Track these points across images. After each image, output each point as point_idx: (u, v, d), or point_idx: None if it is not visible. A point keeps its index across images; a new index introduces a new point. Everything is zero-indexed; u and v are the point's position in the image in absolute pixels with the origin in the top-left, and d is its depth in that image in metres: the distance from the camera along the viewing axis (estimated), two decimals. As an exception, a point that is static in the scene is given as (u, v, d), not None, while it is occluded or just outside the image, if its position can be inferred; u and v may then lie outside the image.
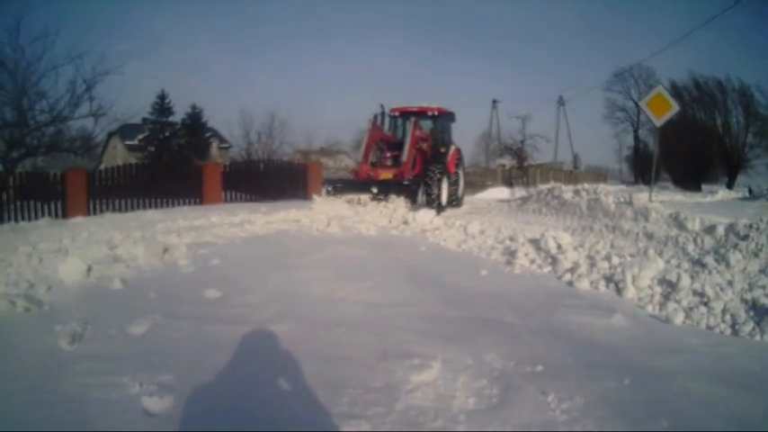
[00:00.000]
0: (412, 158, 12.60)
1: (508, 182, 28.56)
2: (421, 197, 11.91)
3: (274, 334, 3.54)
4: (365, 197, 11.04)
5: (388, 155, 13.17)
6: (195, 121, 40.69)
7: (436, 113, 14.36)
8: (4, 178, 14.05)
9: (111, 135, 38.25)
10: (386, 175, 11.99)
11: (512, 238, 6.94)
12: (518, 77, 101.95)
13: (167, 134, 38.94)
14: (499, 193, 23.97)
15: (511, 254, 6.25)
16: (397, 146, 13.24)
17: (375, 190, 11.11)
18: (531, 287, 5.02)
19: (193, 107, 42.43)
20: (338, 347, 3.34)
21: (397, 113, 14.69)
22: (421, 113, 14.34)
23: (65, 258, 5.53)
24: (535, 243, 6.39)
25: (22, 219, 13.41)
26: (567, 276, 5.27)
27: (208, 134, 42.38)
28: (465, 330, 3.69)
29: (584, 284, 4.98)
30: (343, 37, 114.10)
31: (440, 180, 12.30)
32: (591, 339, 3.60)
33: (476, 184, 29.14)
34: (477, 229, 7.89)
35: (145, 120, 38.97)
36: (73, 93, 17.72)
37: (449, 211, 12.30)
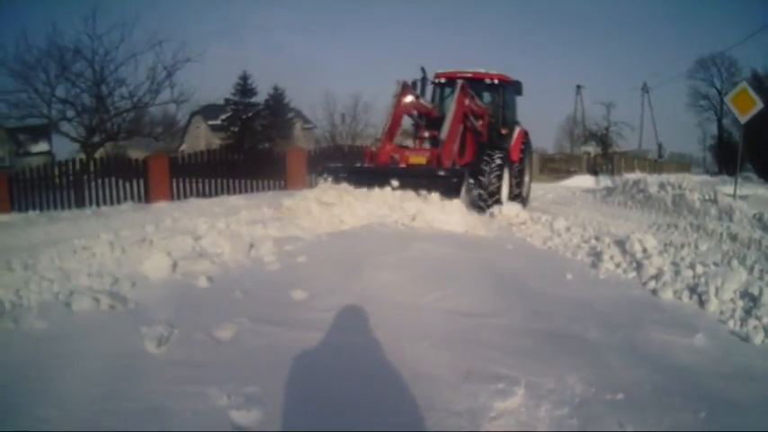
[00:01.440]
0: (458, 139, 10.52)
1: (593, 170, 30.15)
2: (466, 194, 9.18)
3: (361, 345, 3.68)
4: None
5: (426, 134, 11.41)
6: (278, 102, 43.55)
7: (496, 82, 12.35)
8: (85, 163, 15.42)
9: (193, 114, 41.09)
10: (416, 159, 10.03)
11: (597, 238, 7.28)
12: (601, 63, 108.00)
13: (250, 115, 41.77)
14: (584, 181, 25.87)
15: (596, 255, 6.52)
16: (441, 123, 10.75)
17: (396, 183, 8.65)
18: (616, 296, 5.15)
19: (276, 88, 45.63)
20: (424, 364, 3.42)
21: (443, 80, 12.50)
22: (476, 81, 12.10)
23: (149, 253, 6.02)
24: (621, 245, 6.58)
25: (104, 203, 14.67)
26: (652, 284, 5.41)
27: (291, 115, 44.86)
28: (549, 347, 3.74)
29: (667, 294, 5.11)
30: (429, 20, 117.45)
31: (499, 171, 10.57)
32: (671, 362, 3.62)
33: (560, 171, 30.54)
34: (564, 225, 8.47)
35: (227, 100, 42.09)
36: (153, 79, 19.16)
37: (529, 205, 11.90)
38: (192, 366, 3.39)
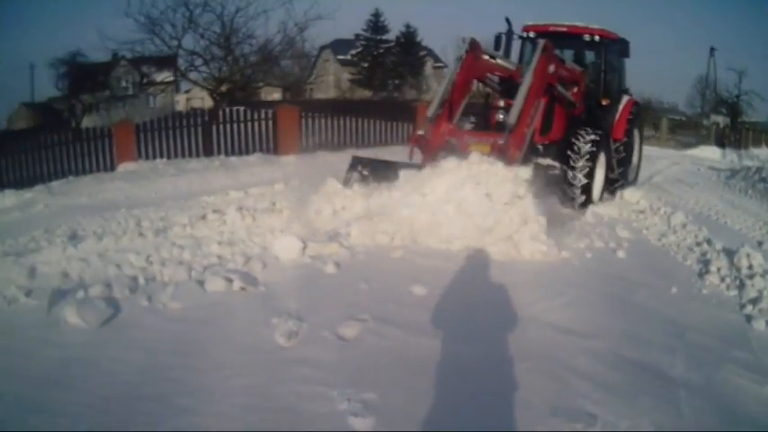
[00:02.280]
0: (537, 115, 8.55)
1: (720, 142, 29.66)
2: (552, 185, 8.35)
3: (467, 358, 4.03)
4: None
5: (501, 103, 9.17)
6: (409, 40, 45.53)
7: (597, 39, 10.57)
8: (214, 111, 16.59)
9: (322, 48, 42.75)
10: (478, 147, 7.90)
11: (709, 241, 7.40)
12: (736, 27, 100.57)
13: (381, 51, 43.89)
14: (711, 153, 25.39)
15: (705, 263, 6.60)
16: None
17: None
18: (712, 320, 5.19)
19: (407, 26, 48.12)
20: (522, 388, 3.70)
21: (531, 33, 10.87)
22: (571, 37, 10.76)
23: (278, 222, 6.68)
24: (729, 256, 6.59)
25: (232, 153, 15.73)
26: (749, 308, 5.38)
27: (422, 53, 46.12)
28: (634, 382, 3.90)
29: (760, 324, 5.04)
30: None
31: (590, 158, 9.15)
32: (741, 413, 3.69)
33: (688, 137, 31.23)
34: (681, 221, 8.57)
35: (358, 36, 44.09)
36: (284, 35, 20.07)
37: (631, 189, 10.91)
38: (317, 366, 3.87)
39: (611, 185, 10.80)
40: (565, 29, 10.80)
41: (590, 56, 11.36)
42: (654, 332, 4.78)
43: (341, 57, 49.47)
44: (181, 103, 57.09)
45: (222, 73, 19.93)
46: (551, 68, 8.72)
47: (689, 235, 7.99)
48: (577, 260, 6.38)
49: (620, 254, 6.84)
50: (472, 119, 10.40)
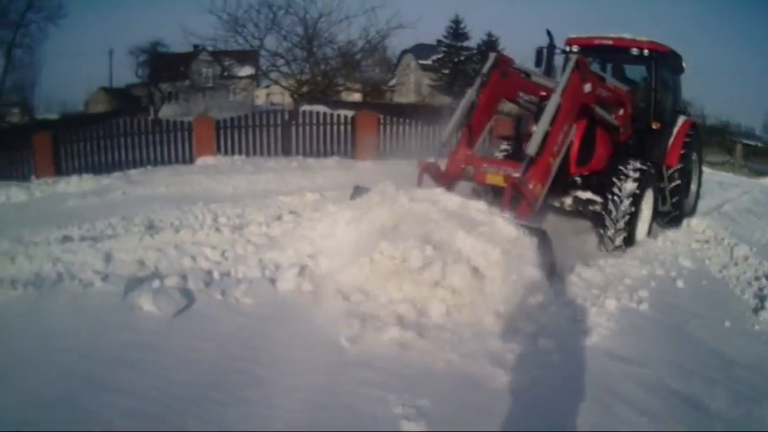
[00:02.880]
0: (563, 142, 7.54)
1: None
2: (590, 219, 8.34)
3: (522, 378, 4.33)
4: None
5: (535, 127, 7.73)
6: (491, 49, 47.23)
7: (646, 53, 9.71)
8: (293, 112, 17.31)
9: (404, 52, 43.96)
10: (494, 178, 7.46)
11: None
12: None
13: (462, 58, 45.52)
14: None
15: (761, 299, 6.69)
16: None
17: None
18: (760, 357, 5.30)
19: (489, 34, 49.93)
20: (566, 408, 3.98)
21: (575, 47, 10.17)
22: (617, 50, 10.14)
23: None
24: None
25: (311, 154, 16.37)
26: None
27: None
28: (674, 412, 4.10)
29: None
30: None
31: (634, 200, 8.35)
32: None
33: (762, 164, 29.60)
34: (743, 253, 8.66)
35: (439, 42, 45.73)
36: (366, 41, 20.93)
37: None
38: (377, 370, 4.22)
39: (665, 218, 10.33)
40: (610, 42, 10.10)
41: (640, 73, 10.75)
42: (700, 364, 4.95)
43: (422, 62, 50.82)
44: (261, 97, 58.63)
45: (303, 74, 20.81)
46: (587, 88, 7.82)
47: (750, 268, 8.09)
48: (643, 289, 6.45)
49: (680, 283, 6.95)
50: (504, 145, 10.03)
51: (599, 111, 8.45)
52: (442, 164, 7.77)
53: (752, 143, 40.94)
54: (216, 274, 5.91)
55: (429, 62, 49.81)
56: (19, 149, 17.48)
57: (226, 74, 42.05)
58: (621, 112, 9.27)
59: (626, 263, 7.35)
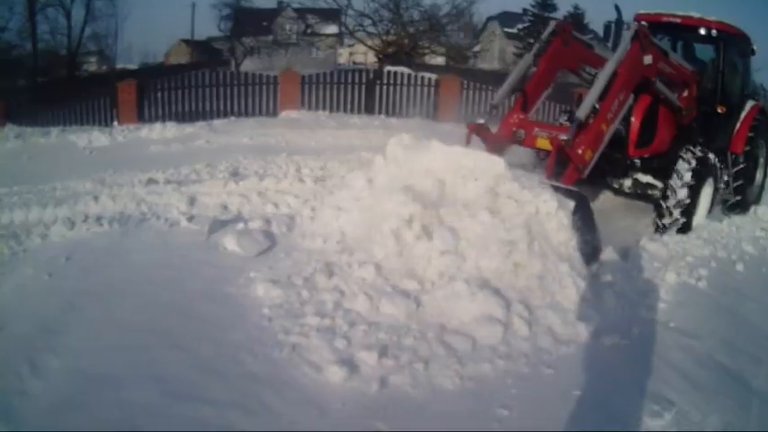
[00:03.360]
0: (618, 111, 7.33)
1: None
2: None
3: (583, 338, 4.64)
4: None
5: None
6: (576, 22, 48.02)
7: (714, 33, 9.31)
8: (378, 72, 17.56)
9: (489, 19, 44.21)
10: (543, 142, 7.39)
11: None
12: None
13: None
14: None
15: None
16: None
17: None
18: None
19: (575, 7, 50.93)
20: (618, 368, 4.24)
21: (642, 24, 9.05)
22: (685, 29, 9.83)
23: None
24: None
25: (393, 114, 16.59)
26: None
27: (589, 36, 47.59)
28: (716, 383, 4.31)
29: None
30: None
31: (693, 189, 8.08)
32: None
33: None
34: None
35: (525, 10, 46.19)
36: (453, 6, 21.07)
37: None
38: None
39: (727, 205, 9.99)
40: (678, 20, 9.71)
41: (708, 54, 10.38)
42: (748, 343, 5.06)
43: (507, 30, 51.20)
44: (344, 56, 59.02)
45: (389, 36, 21.14)
46: (647, 59, 7.59)
47: None
48: (703, 268, 6.53)
49: (740, 267, 6.94)
50: (567, 114, 9.89)
51: (661, 87, 8.20)
52: (494, 127, 7.64)
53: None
54: (298, 219, 6.11)
55: (515, 30, 49.83)
56: (99, 97, 18.18)
57: (309, 31, 42.56)
58: (686, 92, 9.04)
59: (690, 241, 7.42)
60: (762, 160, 11.01)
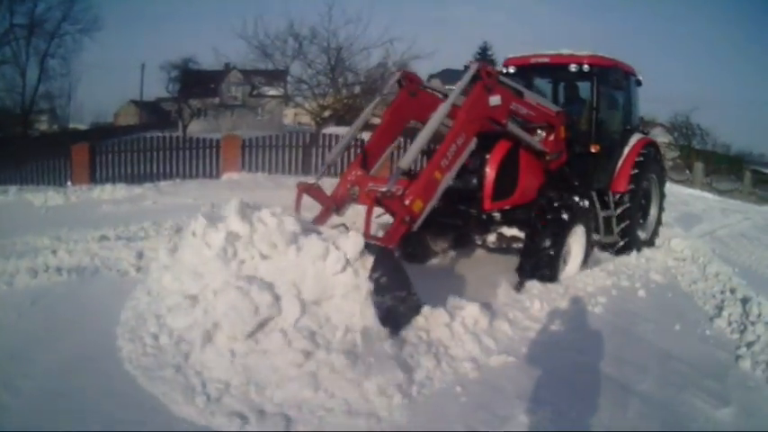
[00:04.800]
0: (456, 159, 6.60)
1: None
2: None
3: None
4: None
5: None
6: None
7: (586, 68, 8.93)
8: (314, 135, 18.91)
9: (431, 77, 45.54)
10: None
11: (732, 291, 8.25)
12: None
13: None
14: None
15: (719, 309, 7.51)
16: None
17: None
18: (701, 355, 6.13)
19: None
20: (502, 378, 4.94)
21: (511, 69, 9.68)
22: (555, 68, 9.55)
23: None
24: (744, 304, 7.53)
25: (329, 175, 17.68)
26: (742, 350, 6.25)
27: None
28: (596, 388, 4.99)
29: (746, 363, 5.93)
30: None
31: (555, 238, 7.65)
32: (685, 427, 4.70)
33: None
34: (714, 270, 9.26)
35: (466, 67, 47.63)
36: (384, 71, 22.54)
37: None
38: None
39: (611, 249, 9.71)
40: (547, 59, 9.39)
41: (578, 91, 10.19)
42: (638, 356, 5.77)
43: (449, 86, 52.56)
44: (289, 116, 60.08)
45: (326, 100, 22.52)
46: (493, 100, 6.98)
47: (719, 283, 8.70)
48: (602, 296, 7.23)
49: (642, 293, 7.70)
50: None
51: (516, 130, 7.64)
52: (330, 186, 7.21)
53: (765, 171, 41.42)
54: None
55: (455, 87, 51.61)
56: (54, 158, 18.99)
57: (255, 92, 43.55)
58: (552, 135, 8.41)
59: (593, 274, 8.06)
60: (654, 197, 10.97)
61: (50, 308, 5.80)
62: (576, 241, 8.23)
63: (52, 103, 50.20)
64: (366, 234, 5.62)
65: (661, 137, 45.38)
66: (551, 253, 7.57)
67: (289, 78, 23.77)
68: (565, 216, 7.76)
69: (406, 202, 5.98)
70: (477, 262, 9.40)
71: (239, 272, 5.15)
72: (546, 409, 4.48)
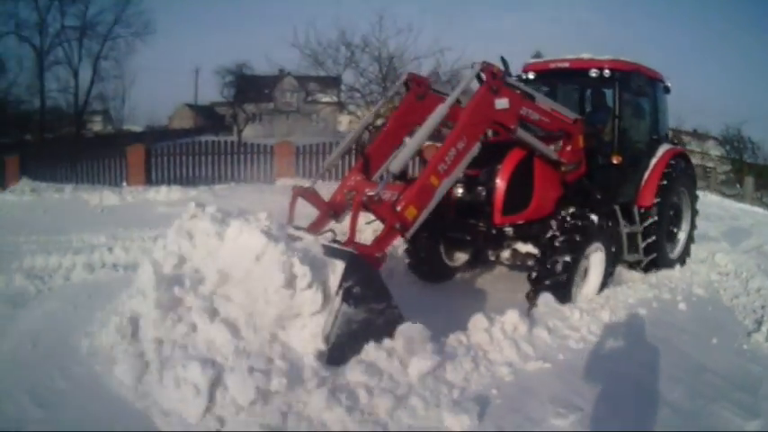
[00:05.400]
0: (457, 163, 6.27)
1: None
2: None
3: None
4: None
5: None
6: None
7: (607, 73, 8.45)
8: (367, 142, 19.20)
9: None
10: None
11: None
12: None
13: None
14: None
15: (759, 324, 7.44)
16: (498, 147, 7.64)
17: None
18: (735, 368, 6.20)
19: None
20: (535, 381, 5.13)
21: (530, 75, 9.36)
22: (575, 74, 9.09)
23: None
24: None
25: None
26: None
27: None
28: (628, 396, 5.15)
29: None
30: None
31: (568, 259, 7.16)
32: None
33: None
34: (758, 285, 9.21)
35: (518, 77, 49.47)
36: (436, 80, 22.93)
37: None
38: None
39: (641, 266, 9.31)
40: (567, 64, 8.98)
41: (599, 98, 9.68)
42: (672, 367, 5.83)
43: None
44: (344, 123, 60.73)
45: (378, 109, 23.06)
46: (500, 103, 6.61)
47: (760, 298, 8.69)
48: (642, 308, 7.32)
49: (682, 306, 7.76)
50: None
51: (525, 136, 7.22)
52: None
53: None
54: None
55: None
56: (110, 158, 19.79)
57: (309, 99, 44.12)
58: (570, 145, 7.93)
59: (635, 286, 8.25)
60: (685, 212, 10.35)
61: (107, 301, 6.06)
62: (595, 261, 7.81)
63: (105, 104, 51.28)
64: (350, 241, 5.51)
65: (713, 150, 44.44)
66: (563, 279, 7.12)
67: (342, 86, 24.15)
68: (578, 237, 7.26)
69: (398, 209, 5.69)
70: (497, 279, 9.34)
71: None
72: (576, 413, 4.65)
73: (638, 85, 8.62)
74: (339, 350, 4.76)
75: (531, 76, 9.27)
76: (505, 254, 7.96)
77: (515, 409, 4.64)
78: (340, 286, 4.86)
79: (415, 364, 4.76)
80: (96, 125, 55.33)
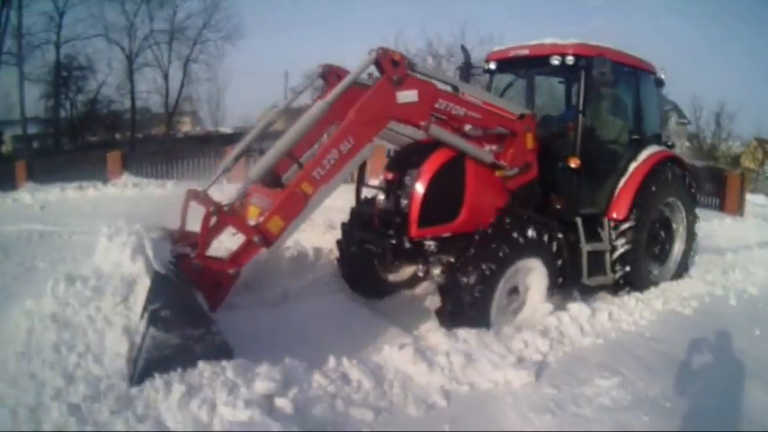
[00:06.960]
0: (343, 166, 5.71)
1: None
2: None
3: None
4: None
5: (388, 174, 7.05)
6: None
7: (570, 61, 7.49)
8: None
9: None
10: (254, 212, 5.72)
11: None
12: None
13: None
14: None
15: None
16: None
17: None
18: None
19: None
20: (593, 355, 6.30)
21: (491, 64, 8.52)
22: (537, 61, 7.98)
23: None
24: None
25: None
26: None
27: (668, 107, 48.98)
28: (671, 371, 6.04)
29: None
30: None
31: (482, 274, 6.33)
32: (742, 412, 5.48)
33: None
34: None
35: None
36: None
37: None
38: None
39: (612, 289, 8.28)
40: (527, 51, 8.02)
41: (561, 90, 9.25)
42: (711, 349, 6.48)
43: None
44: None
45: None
46: (404, 96, 5.98)
47: None
48: (694, 300, 8.07)
49: (732, 302, 8.37)
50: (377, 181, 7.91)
51: (443, 135, 6.53)
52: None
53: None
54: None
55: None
56: (209, 156, 22.07)
57: (400, 104, 45.46)
58: (511, 149, 7.18)
59: (689, 282, 9.02)
60: (680, 226, 9.30)
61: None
62: (533, 280, 7.06)
63: (195, 105, 53.63)
64: (200, 256, 5.21)
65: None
66: (475, 295, 6.31)
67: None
68: (500, 253, 6.44)
69: (260, 220, 5.33)
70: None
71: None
72: (618, 377, 5.66)
73: (603, 72, 7.15)
74: (148, 375, 4.40)
75: (492, 66, 8.52)
76: (436, 270, 7.06)
77: (567, 371, 5.72)
78: (145, 308, 4.51)
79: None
80: (185, 126, 57.48)
